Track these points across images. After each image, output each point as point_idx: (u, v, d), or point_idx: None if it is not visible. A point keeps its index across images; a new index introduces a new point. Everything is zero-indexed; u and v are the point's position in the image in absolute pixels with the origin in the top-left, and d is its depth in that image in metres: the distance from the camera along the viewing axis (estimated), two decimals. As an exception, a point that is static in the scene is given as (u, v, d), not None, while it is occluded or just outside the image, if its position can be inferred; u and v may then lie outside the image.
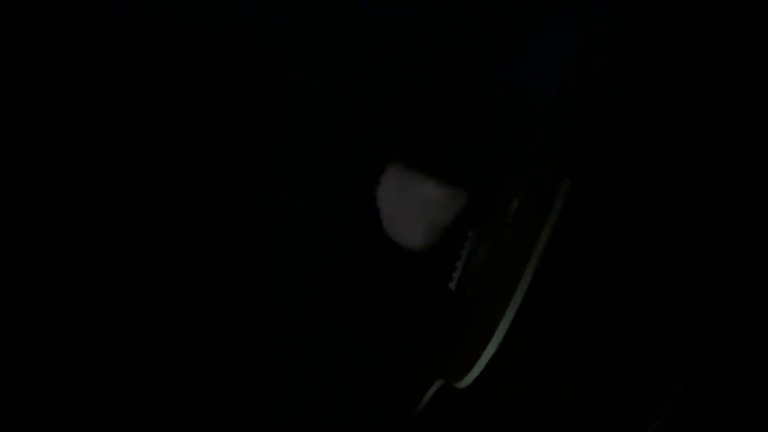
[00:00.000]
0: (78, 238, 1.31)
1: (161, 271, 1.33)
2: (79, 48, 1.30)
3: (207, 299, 1.33)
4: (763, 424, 0.96)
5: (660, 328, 0.97)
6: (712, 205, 1.00)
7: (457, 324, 1.08)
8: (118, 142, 1.32)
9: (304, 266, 1.32)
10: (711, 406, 0.97)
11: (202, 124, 1.33)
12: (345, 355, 1.29)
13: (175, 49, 1.32)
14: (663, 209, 1.00)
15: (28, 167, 1.30)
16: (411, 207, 1.16)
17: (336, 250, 1.31)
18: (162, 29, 1.31)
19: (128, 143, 1.32)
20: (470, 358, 0.98)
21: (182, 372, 1.33)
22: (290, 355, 1.31)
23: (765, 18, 1.03)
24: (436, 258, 1.14)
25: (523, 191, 1.07)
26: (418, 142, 1.22)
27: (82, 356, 1.31)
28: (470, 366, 0.97)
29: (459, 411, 1.05)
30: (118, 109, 1.31)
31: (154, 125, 1.32)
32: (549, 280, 0.96)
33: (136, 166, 1.32)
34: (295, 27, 1.32)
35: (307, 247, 1.32)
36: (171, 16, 1.30)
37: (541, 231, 0.96)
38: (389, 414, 1.23)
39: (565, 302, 0.97)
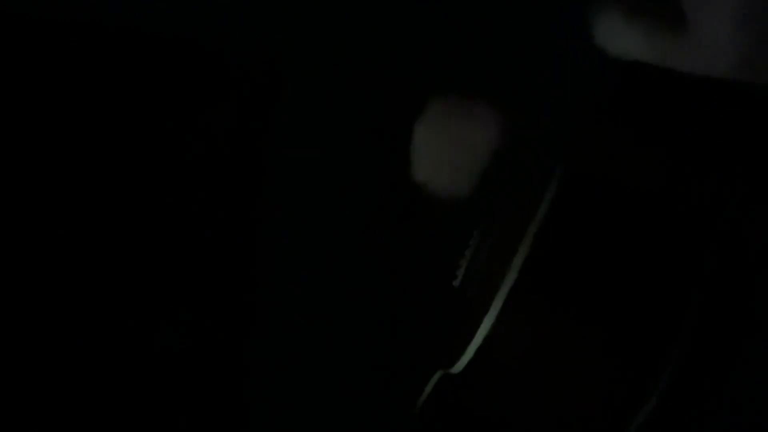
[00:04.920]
0: (75, 236, 1.31)
1: (160, 270, 1.33)
2: (79, 49, 1.31)
3: (207, 299, 1.33)
4: (752, 417, 0.96)
5: (649, 314, 0.97)
6: (706, 198, 1.00)
7: (459, 319, 1.09)
8: (117, 143, 1.32)
9: (305, 266, 1.32)
10: (698, 399, 0.97)
11: (202, 125, 1.34)
12: (346, 352, 1.29)
13: (175, 50, 1.32)
14: (657, 200, 1.00)
15: (28, 167, 1.30)
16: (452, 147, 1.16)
17: (337, 250, 1.31)
18: (161, 30, 1.32)
19: (127, 144, 1.32)
20: (464, 344, 0.99)
21: (181, 372, 1.33)
22: (291, 350, 1.31)
23: None
24: (441, 256, 1.14)
25: (520, 182, 1.08)
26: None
27: (78, 358, 1.31)
28: (463, 350, 0.98)
29: (459, 401, 1.05)
30: (117, 111, 1.32)
31: (153, 126, 1.32)
32: (539, 267, 0.97)
33: (136, 166, 1.32)
34: (295, 28, 1.32)
35: (308, 244, 1.32)
36: (170, 17, 1.30)
37: (533, 219, 0.97)
38: (391, 409, 1.23)
39: (557, 287, 0.97)
